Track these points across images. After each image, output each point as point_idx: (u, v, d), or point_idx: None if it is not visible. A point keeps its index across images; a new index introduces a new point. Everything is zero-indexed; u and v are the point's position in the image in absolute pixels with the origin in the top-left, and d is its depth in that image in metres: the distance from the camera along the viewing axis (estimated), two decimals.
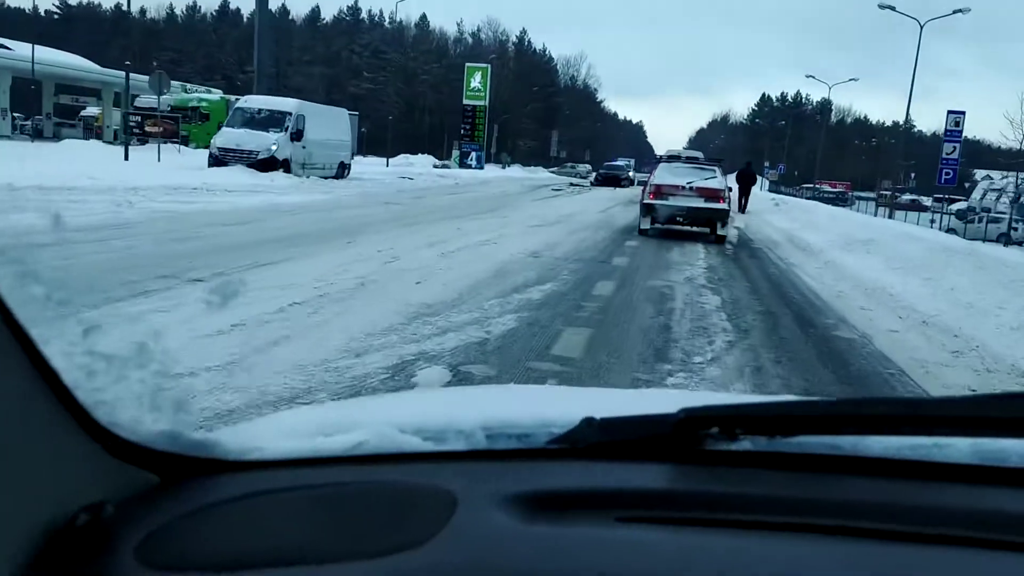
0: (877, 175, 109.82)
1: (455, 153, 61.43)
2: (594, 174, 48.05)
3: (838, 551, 0.70)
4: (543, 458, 0.88)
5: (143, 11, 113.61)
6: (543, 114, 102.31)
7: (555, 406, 1.11)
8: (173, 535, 0.73)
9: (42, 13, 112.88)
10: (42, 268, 0.70)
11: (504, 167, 64.77)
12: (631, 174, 51.45)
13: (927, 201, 67.88)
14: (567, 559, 0.68)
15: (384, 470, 0.85)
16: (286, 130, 22.33)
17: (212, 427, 1.06)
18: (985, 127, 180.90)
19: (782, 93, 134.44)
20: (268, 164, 21.49)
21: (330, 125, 25.06)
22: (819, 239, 17.26)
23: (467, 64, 61.16)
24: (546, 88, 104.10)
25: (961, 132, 31.43)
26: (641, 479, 0.81)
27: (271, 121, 22.46)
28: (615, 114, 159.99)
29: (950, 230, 35.25)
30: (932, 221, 39.81)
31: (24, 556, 0.65)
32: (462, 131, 60.91)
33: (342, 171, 26.18)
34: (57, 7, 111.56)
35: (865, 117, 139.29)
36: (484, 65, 60.52)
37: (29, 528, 0.66)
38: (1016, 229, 37.34)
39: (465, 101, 60.82)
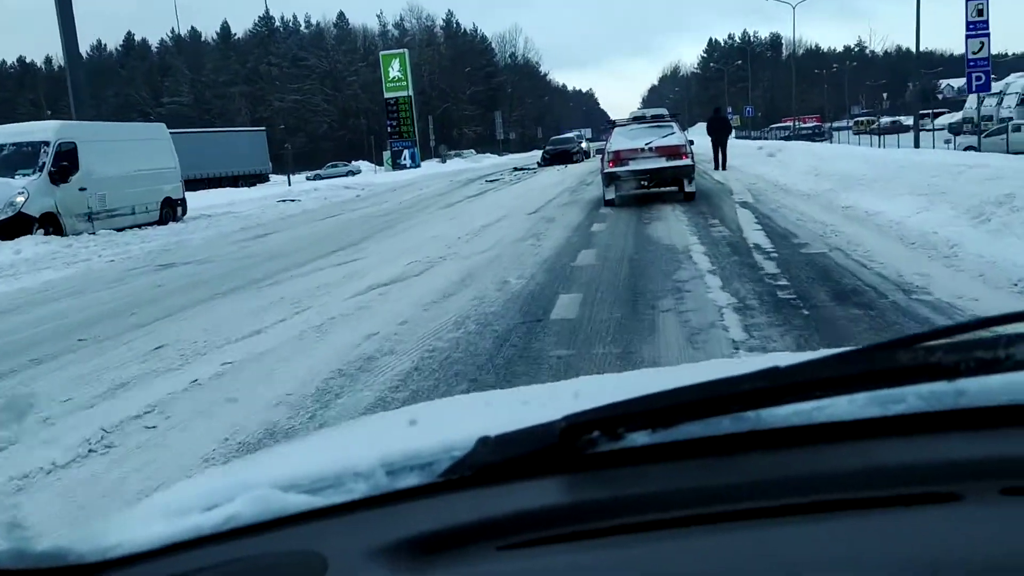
0: (845, 103, 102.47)
1: (386, 154, 53.54)
2: (542, 152, 39.97)
3: (729, 538, 0.67)
4: (436, 493, 0.80)
5: (48, 60, 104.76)
6: (486, 97, 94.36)
7: (464, 423, 0.97)
8: None
9: None
10: None
11: (444, 161, 56.87)
12: (584, 145, 43.46)
13: (908, 120, 60.92)
14: None
15: (260, 541, 0.76)
16: (41, 169, 14.39)
17: (70, 532, 0.92)
18: (935, 38, 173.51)
19: (729, 35, 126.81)
20: (13, 226, 13.61)
21: (135, 151, 17.09)
22: (903, 209, 9.61)
23: (382, 53, 53.10)
24: (484, 69, 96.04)
25: (987, 23, 23.83)
26: (525, 498, 0.75)
27: (19, 159, 14.52)
28: (563, 86, 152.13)
29: (969, 148, 27.83)
30: (947, 142, 32.36)
31: None
32: (388, 128, 52.94)
33: (173, 211, 18.28)
34: None
35: (816, 46, 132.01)
36: (401, 51, 52.51)
37: None
38: None
39: (387, 94, 52.80)
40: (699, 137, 46.18)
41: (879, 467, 0.73)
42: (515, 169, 36.92)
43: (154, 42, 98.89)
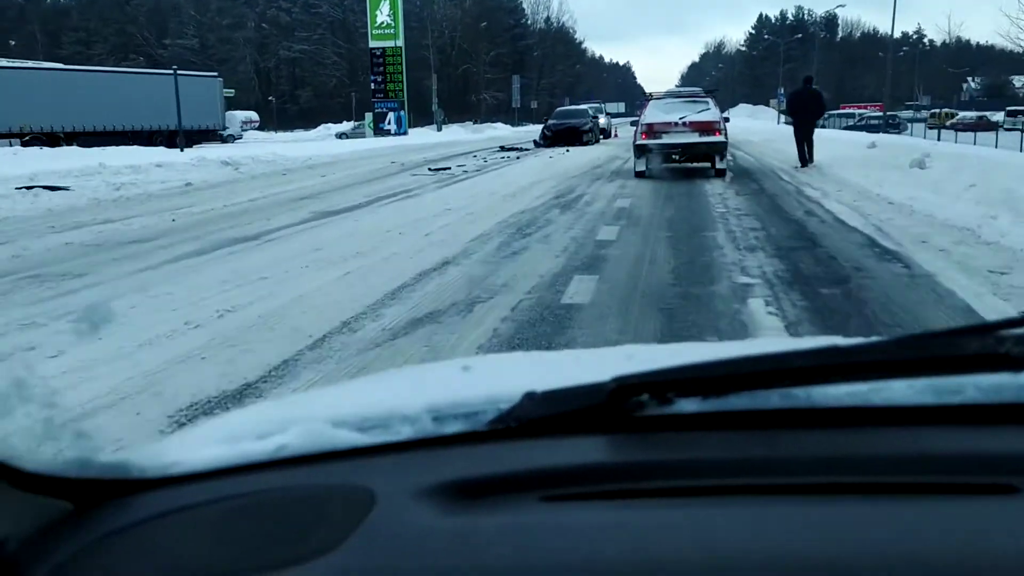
0: (909, 92, 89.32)
1: (368, 116, 42.43)
2: (542, 128, 28.44)
3: (775, 511, 0.64)
4: (480, 441, 0.79)
5: None
6: (512, 61, 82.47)
7: (512, 378, 0.95)
8: (81, 563, 0.66)
9: None
10: None
11: (439, 129, 45.60)
12: (604, 122, 31.77)
13: (994, 116, 48.91)
14: (483, 548, 0.62)
15: (309, 472, 0.77)
16: None
17: (131, 446, 0.92)
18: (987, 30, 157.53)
19: (781, 11, 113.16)
20: None
21: None
22: None
23: None
24: (512, 30, 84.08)
25: None
26: (572, 454, 0.74)
27: None
28: (600, 57, 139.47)
29: None
30: None
31: None
32: (372, 85, 41.73)
33: None
34: None
35: (875, 29, 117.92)
36: None
37: None
38: None
39: (372, 43, 41.47)
40: (742, 120, 35.31)
41: (934, 454, 0.69)
42: (502, 148, 25.67)
43: None
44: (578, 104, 35.02)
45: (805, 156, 15.00)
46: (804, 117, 15.22)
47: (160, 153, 20.72)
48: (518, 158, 20.58)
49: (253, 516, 0.70)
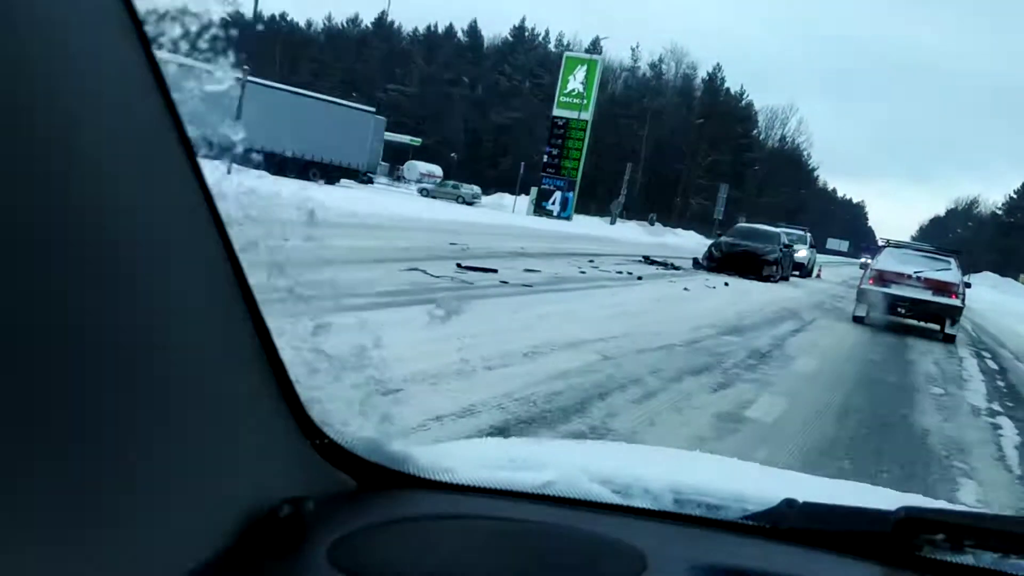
0: None
1: (533, 191, 36.42)
2: (710, 245, 20.57)
3: None
4: (737, 533, 0.79)
5: (309, 24, 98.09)
6: (730, 171, 74.72)
7: (748, 481, 0.98)
8: (363, 543, 0.69)
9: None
10: (288, 262, 0.63)
11: (613, 222, 38.78)
12: (804, 255, 23.58)
13: None
14: None
15: (570, 515, 0.79)
16: None
17: (409, 442, 0.88)
18: None
19: None
20: None
21: None
22: None
23: (567, 54, 36.13)
24: (737, 139, 76.52)
25: None
26: (849, 575, 0.72)
27: None
28: (833, 190, 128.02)
29: None
30: None
31: (227, 538, 0.61)
32: (545, 157, 35.83)
33: None
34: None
35: None
36: (591, 57, 35.18)
37: (235, 512, 0.62)
38: None
39: (556, 110, 35.73)
40: (986, 290, 29.57)
41: None
42: (645, 259, 18.37)
43: (407, 26, 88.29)
44: (788, 227, 26.09)
45: None
46: None
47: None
48: (640, 278, 13.21)
49: (525, 542, 0.71)
